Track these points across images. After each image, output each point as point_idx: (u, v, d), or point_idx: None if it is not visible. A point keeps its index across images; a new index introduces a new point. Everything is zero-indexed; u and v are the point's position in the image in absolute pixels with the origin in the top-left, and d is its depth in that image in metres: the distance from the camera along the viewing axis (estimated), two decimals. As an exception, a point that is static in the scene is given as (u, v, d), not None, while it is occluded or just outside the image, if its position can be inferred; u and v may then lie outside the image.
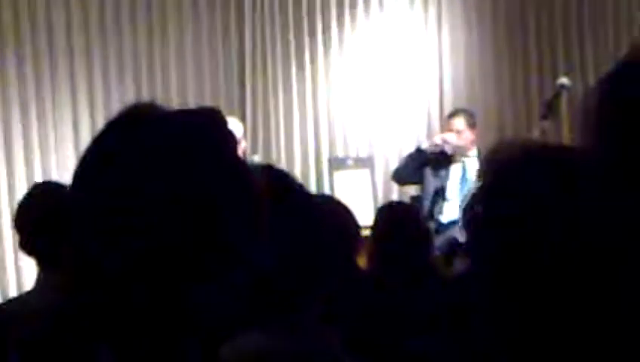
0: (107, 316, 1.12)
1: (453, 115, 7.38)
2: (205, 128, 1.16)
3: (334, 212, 3.19)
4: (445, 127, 7.44)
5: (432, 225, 6.96)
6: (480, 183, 1.39)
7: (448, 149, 7.07)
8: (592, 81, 8.47)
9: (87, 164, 1.16)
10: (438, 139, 7.18)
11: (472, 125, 7.15)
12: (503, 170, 1.33)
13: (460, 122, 7.15)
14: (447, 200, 7.09)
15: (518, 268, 1.22)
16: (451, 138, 7.07)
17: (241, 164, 1.18)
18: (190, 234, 1.11)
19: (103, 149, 1.15)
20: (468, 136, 7.10)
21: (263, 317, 1.75)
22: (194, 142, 1.14)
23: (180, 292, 1.12)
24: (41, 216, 2.96)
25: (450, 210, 7.06)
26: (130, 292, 1.11)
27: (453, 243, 6.80)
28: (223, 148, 1.16)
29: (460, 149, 7.08)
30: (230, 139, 1.18)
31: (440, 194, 7.12)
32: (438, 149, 7.12)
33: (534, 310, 1.21)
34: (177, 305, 1.12)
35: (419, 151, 7.25)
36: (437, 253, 6.64)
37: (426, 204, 7.14)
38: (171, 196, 1.11)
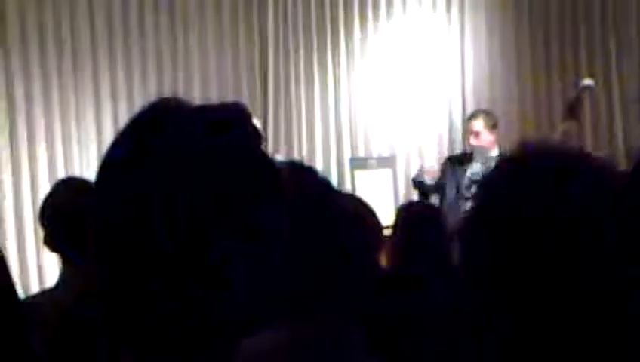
0: (130, 315, 1.13)
1: (471, 117, 7.37)
2: (231, 124, 1.16)
3: (358, 211, 3.19)
4: (465, 129, 7.45)
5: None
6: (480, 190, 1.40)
7: (429, 179, 7.10)
8: (614, 82, 8.45)
9: (113, 162, 1.16)
10: (422, 171, 7.21)
11: (491, 126, 7.12)
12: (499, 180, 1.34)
13: (478, 124, 7.13)
14: (466, 201, 7.09)
15: (515, 273, 1.22)
16: (432, 169, 7.11)
17: (267, 160, 1.18)
18: (217, 233, 1.11)
19: (128, 148, 1.15)
20: (487, 137, 7.08)
21: (285, 315, 1.75)
22: (221, 138, 1.14)
23: (205, 291, 1.12)
24: (65, 212, 2.97)
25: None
26: (158, 290, 1.11)
27: None
28: (250, 145, 1.16)
29: (481, 150, 7.06)
30: (256, 135, 1.18)
31: (459, 192, 7.12)
32: (431, 178, 7.12)
33: (529, 315, 1.21)
34: (202, 304, 1.12)
35: (416, 182, 7.26)
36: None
37: (448, 202, 7.14)
38: (200, 195, 1.11)
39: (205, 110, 1.19)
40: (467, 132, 7.31)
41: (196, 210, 1.10)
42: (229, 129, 1.15)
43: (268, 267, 1.18)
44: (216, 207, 1.11)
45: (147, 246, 1.09)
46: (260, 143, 1.19)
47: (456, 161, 7.30)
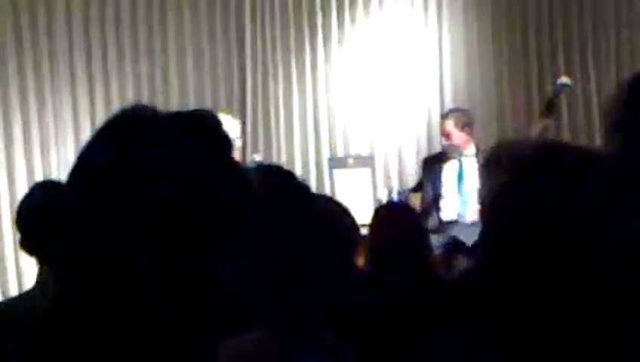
0: (103, 315, 1.13)
1: (442, 116, 7.45)
2: (202, 133, 1.17)
3: (333, 213, 3.20)
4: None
5: (433, 222, 7.00)
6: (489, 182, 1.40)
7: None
8: (592, 79, 8.48)
9: (84, 168, 1.17)
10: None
11: (462, 125, 7.13)
12: (517, 170, 1.34)
13: (448, 123, 7.16)
14: (443, 198, 7.12)
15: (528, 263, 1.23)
16: None
17: (236, 167, 1.19)
18: (187, 238, 1.12)
19: (96, 159, 1.16)
20: (459, 136, 7.10)
21: (261, 316, 1.75)
22: (191, 148, 1.15)
23: (179, 292, 1.13)
24: (41, 215, 2.96)
25: (449, 208, 7.08)
26: (133, 288, 1.12)
27: (454, 244, 6.82)
28: (218, 152, 1.17)
29: (455, 148, 7.09)
30: (225, 142, 1.19)
31: (437, 191, 7.15)
32: None
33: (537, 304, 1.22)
34: (178, 305, 1.13)
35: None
36: (437, 251, 6.66)
37: (426, 201, 7.17)
38: (167, 201, 1.12)
39: (175, 118, 1.19)
40: (440, 132, 7.34)
41: (172, 220, 1.11)
42: (199, 138, 1.16)
43: (244, 271, 1.19)
44: (189, 216, 1.12)
45: (126, 259, 1.10)
46: (231, 151, 1.20)
47: (433, 161, 7.34)
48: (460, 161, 7.09)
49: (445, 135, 7.14)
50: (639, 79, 0.99)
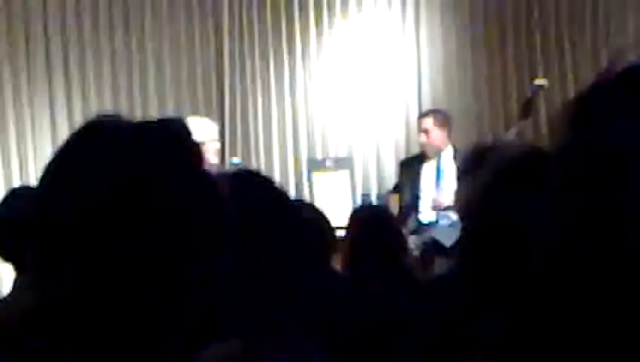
0: (78, 320, 1.14)
1: (421, 115, 7.47)
2: (166, 142, 1.18)
3: (310, 217, 3.20)
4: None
5: (412, 223, 7.01)
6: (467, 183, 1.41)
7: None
8: (570, 81, 8.51)
9: (53, 180, 1.18)
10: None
11: (441, 124, 7.16)
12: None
13: (427, 121, 7.19)
14: (421, 199, 7.12)
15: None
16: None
17: (200, 175, 1.20)
18: (154, 245, 1.13)
19: (65, 166, 1.17)
20: (437, 135, 7.12)
21: (237, 322, 1.75)
22: (155, 156, 1.16)
23: (148, 300, 1.13)
24: (17, 221, 2.95)
25: (428, 210, 7.09)
26: (103, 296, 1.12)
27: (431, 245, 6.83)
28: (183, 160, 1.18)
29: (433, 148, 7.11)
30: (192, 150, 1.20)
31: (415, 192, 7.16)
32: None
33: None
34: (148, 313, 1.14)
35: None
36: (415, 252, 6.68)
37: (405, 203, 7.18)
38: (131, 208, 1.13)
39: (144, 129, 1.20)
40: (418, 131, 7.35)
41: (142, 229, 1.12)
42: (167, 149, 1.17)
43: (215, 278, 1.20)
44: (157, 226, 1.13)
45: (89, 251, 1.11)
46: (200, 160, 1.21)
47: (411, 162, 7.35)
48: (438, 161, 7.11)
49: (424, 131, 7.16)
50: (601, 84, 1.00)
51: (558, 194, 0.96)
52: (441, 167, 7.07)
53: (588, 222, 0.90)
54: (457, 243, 6.07)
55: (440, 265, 6.68)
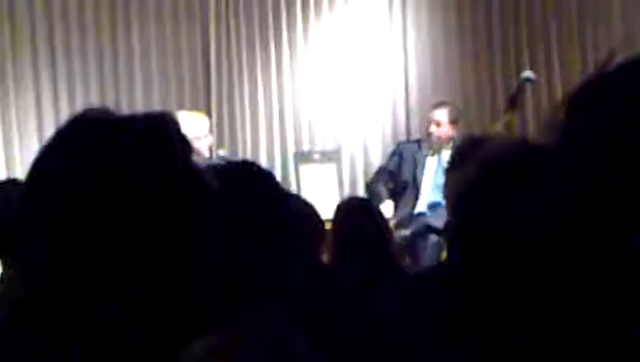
0: (66, 311, 1.14)
1: (437, 105, 7.34)
2: (154, 136, 1.18)
3: (300, 209, 3.20)
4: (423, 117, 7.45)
5: (403, 215, 7.01)
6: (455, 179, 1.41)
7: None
8: (556, 74, 8.53)
9: (39, 174, 1.17)
10: None
11: (453, 120, 7.13)
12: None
13: (441, 114, 7.14)
14: (421, 193, 7.11)
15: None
16: None
17: (189, 169, 1.20)
18: (144, 240, 1.13)
19: (53, 161, 1.17)
20: (447, 130, 7.09)
21: (224, 316, 1.74)
22: (143, 150, 1.16)
23: (138, 294, 1.13)
24: (1, 217, 2.94)
25: (421, 201, 7.09)
26: (90, 288, 1.12)
27: (424, 230, 6.84)
28: (172, 154, 1.18)
29: (438, 141, 7.07)
30: (180, 144, 1.20)
31: (415, 186, 7.13)
32: None
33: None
34: (137, 307, 1.14)
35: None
36: (405, 240, 6.68)
37: (400, 194, 7.16)
38: (122, 204, 1.12)
39: (131, 123, 1.20)
40: (428, 121, 7.29)
41: (134, 221, 1.12)
42: (155, 142, 1.17)
43: (204, 271, 1.20)
44: (146, 221, 1.13)
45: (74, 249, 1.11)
46: (189, 153, 1.20)
47: (413, 147, 7.28)
48: (439, 156, 7.08)
49: (436, 123, 7.11)
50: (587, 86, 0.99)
51: (554, 188, 0.95)
52: (442, 163, 7.03)
53: (587, 217, 0.90)
54: (447, 224, 6.11)
55: (433, 245, 6.70)
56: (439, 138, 7.07)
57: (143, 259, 1.15)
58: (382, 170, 7.43)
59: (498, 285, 1.27)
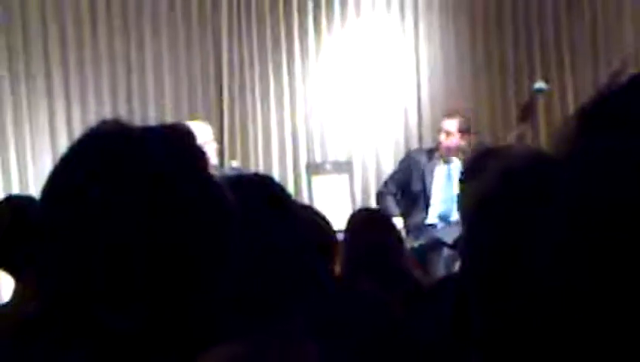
0: (81, 328, 1.13)
1: (448, 115, 7.31)
2: (173, 149, 1.18)
3: (312, 222, 3.20)
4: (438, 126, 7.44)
5: (414, 225, 7.00)
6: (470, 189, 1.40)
7: None
8: (569, 84, 8.52)
9: (58, 185, 1.17)
10: None
11: (463, 131, 7.10)
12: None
13: (451, 124, 7.11)
14: (431, 205, 7.10)
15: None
16: None
17: (209, 181, 1.20)
18: (162, 254, 1.13)
19: (69, 175, 1.17)
20: (456, 140, 7.06)
21: (240, 327, 1.74)
22: (163, 164, 1.16)
23: (154, 306, 1.13)
24: (14, 229, 2.95)
25: (432, 211, 7.08)
26: (105, 306, 1.12)
27: (434, 244, 6.83)
28: (191, 167, 1.18)
29: (447, 151, 7.06)
30: (199, 156, 1.20)
31: (424, 196, 7.12)
32: None
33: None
34: (153, 319, 1.13)
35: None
36: (416, 252, 6.68)
37: (410, 204, 7.15)
38: (142, 218, 1.12)
39: (148, 135, 1.19)
40: (438, 130, 7.28)
41: (154, 233, 1.12)
42: (172, 157, 1.17)
43: (220, 284, 1.20)
44: (162, 236, 1.13)
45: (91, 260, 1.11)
46: (205, 164, 1.20)
47: (422, 157, 7.26)
48: (448, 166, 7.08)
49: (446, 132, 7.10)
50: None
51: (570, 200, 0.94)
52: (452, 172, 7.03)
53: (608, 227, 0.89)
54: (459, 239, 6.12)
55: (444, 259, 6.70)
56: (448, 147, 7.05)
57: (163, 271, 1.14)
58: (390, 181, 7.41)
59: (514, 296, 1.26)
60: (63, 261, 1.14)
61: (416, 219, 7.07)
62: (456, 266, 6.21)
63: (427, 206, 7.10)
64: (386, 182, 7.48)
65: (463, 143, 7.07)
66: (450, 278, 4.15)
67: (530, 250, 1.21)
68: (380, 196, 7.40)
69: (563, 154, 0.97)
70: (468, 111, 7.59)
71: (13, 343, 1.23)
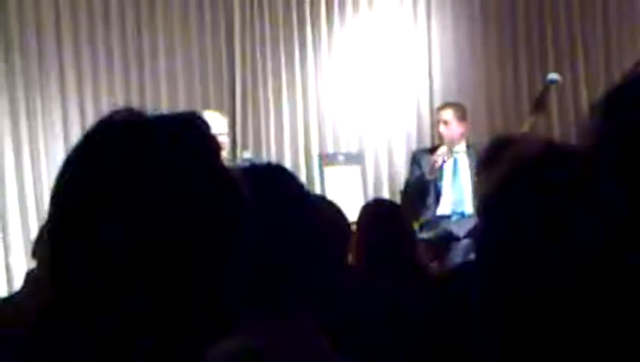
0: (92, 314, 1.13)
1: (441, 107, 7.50)
2: (187, 137, 1.17)
3: (328, 212, 3.20)
4: (435, 119, 7.53)
5: (425, 218, 7.02)
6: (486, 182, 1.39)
7: (444, 158, 7.07)
8: (581, 76, 8.50)
9: (69, 177, 1.17)
10: (436, 161, 7.14)
11: (460, 118, 7.23)
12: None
13: (447, 113, 7.24)
14: (442, 195, 7.13)
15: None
16: (441, 151, 7.08)
17: (222, 170, 1.20)
18: (175, 243, 1.12)
19: (83, 165, 1.17)
20: (456, 128, 7.16)
21: (251, 317, 1.74)
22: (175, 154, 1.16)
23: (168, 294, 1.13)
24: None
25: (444, 203, 7.11)
26: (120, 293, 1.12)
27: (445, 236, 6.85)
28: (204, 156, 1.18)
29: (451, 140, 7.11)
30: (212, 145, 1.19)
31: (435, 188, 7.14)
32: (436, 169, 7.09)
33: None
34: (167, 307, 1.13)
35: (422, 180, 7.22)
36: (429, 243, 6.70)
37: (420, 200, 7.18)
38: (155, 205, 1.12)
39: (162, 124, 1.19)
40: (437, 122, 7.38)
41: (168, 223, 1.12)
42: (187, 146, 1.17)
43: (231, 275, 1.19)
44: (169, 219, 1.12)
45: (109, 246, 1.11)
46: (218, 152, 1.20)
47: (426, 154, 7.31)
48: (455, 158, 7.13)
49: (444, 122, 7.19)
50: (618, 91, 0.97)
51: (595, 189, 0.94)
52: (458, 163, 7.10)
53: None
54: (471, 231, 6.14)
55: (455, 252, 6.71)
56: (451, 136, 7.12)
57: (175, 265, 1.14)
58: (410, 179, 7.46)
59: (532, 287, 1.25)
60: (73, 254, 1.14)
61: (428, 212, 7.11)
62: (471, 257, 6.22)
63: (438, 198, 7.14)
64: (407, 182, 7.50)
65: (463, 129, 7.22)
66: (462, 267, 4.14)
67: (547, 240, 1.20)
68: (404, 194, 7.43)
69: (584, 143, 0.96)
70: (460, 102, 7.65)
71: (27, 333, 1.24)
